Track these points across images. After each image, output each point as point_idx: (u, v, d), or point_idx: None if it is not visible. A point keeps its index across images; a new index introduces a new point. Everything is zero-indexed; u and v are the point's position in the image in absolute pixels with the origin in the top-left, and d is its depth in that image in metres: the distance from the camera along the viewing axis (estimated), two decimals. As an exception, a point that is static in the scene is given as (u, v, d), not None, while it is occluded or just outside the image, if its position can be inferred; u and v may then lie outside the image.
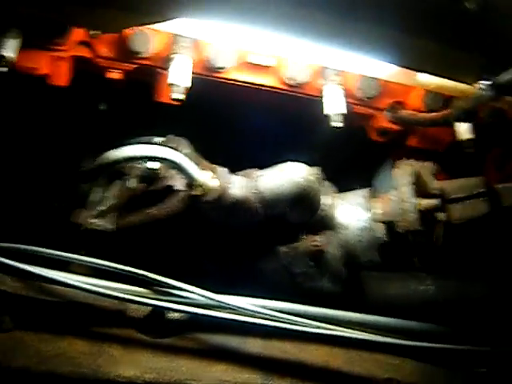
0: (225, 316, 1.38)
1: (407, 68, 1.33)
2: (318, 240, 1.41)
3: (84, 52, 1.51)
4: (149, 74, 1.57)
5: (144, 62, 1.52)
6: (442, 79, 1.36)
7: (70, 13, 1.15)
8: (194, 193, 1.33)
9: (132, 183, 1.49)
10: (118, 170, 1.65)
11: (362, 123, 1.70)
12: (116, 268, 1.39)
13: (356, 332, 1.44)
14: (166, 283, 1.39)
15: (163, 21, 1.16)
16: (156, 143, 1.65)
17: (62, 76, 1.54)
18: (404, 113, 1.62)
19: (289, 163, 1.42)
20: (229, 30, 1.37)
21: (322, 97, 1.57)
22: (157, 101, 1.60)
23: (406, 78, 1.48)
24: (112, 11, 1.12)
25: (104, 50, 1.51)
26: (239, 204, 1.35)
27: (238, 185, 1.36)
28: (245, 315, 1.39)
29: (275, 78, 1.59)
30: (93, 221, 1.63)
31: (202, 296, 1.39)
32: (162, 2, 1.11)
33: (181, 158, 1.31)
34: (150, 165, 1.42)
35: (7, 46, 1.35)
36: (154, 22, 1.18)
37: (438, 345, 1.43)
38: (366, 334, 1.44)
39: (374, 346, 1.45)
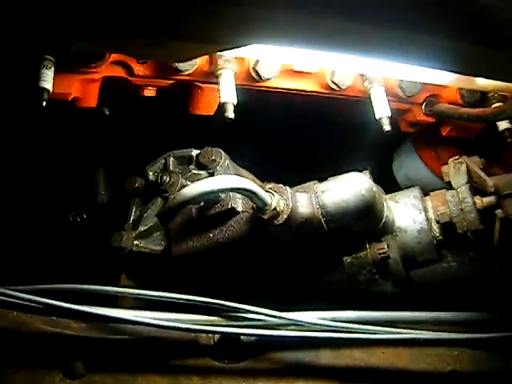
0: (298, 334, 1.38)
1: (466, 75, 1.31)
2: (384, 247, 1.40)
3: (118, 72, 1.42)
4: (185, 88, 1.49)
5: (184, 77, 1.45)
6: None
7: (134, 47, 1.07)
8: (265, 217, 1.30)
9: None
10: (157, 186, 1.59)
11: (395, 116, 1.68)
12: (186, 299, 1.35)
13: (423, 332, 1.46)
14: (235, 308, 1.37)
15: (231, 48, 1.10)
16: (194, 155, 1.60)
17: (91, 98, 1.45)
18: (443, 107, 1.61)
19: (351, 175, 1.39)
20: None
21: (365, 98, 1.54)
22: (191, 113, 1.53)
23: (467, 83, 1.46)
24: (179, 42, 1.05)
25: (140, 69, 1.42)
26: (307, 222, 1.33)
27: (305, 203, 1.33)
28: (315, 330, 1.39)
29: (318, 83, 1.55)
30: (136, 242, 1.58)
31: (273, 316, 1.37)
32: (231, 30, 1.05)
33: (252, 184, 1.27)
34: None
35: (46, 77, 1.26)
36: (222, 50, 1.11)
37: (498, 334, 1.48)
38: (431, 332, 1.47)
39: (439, 343, 1.49)
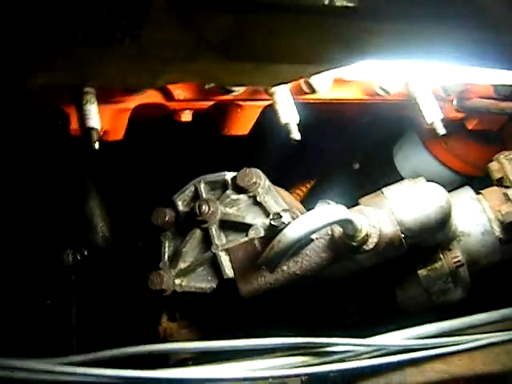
0: (385, 361, 1.29)
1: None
2: (458, 255, 1.33)
3: (155, 98, 1.24)
4: (223, 109, 1.34)
5: (230, 98, 1.29)
6: None
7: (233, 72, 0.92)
8: (355, 244, 1.18)
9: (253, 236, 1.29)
10: (192, 216, 1.44)
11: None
12: (266, 344, 1.22)
13: (497, 334, 1.42)
14: (318, 343, 1.26)
15: (333, 68, 0.97)
16: (229, 179, 1.46)
17: (120, 129, 1.27)
18: (478, 102, 1.56)
19: (427, 186, 1.30)
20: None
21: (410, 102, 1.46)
22: (224, 134, 1.39)
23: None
24: (279, 65, 0.91)
25: (180, 92, 1.25)
26: (390, 243, 1.23)
27: (387, 223, 1.23)
28: (400, 352, 1.32)
29: (365, 91, 1.45)
30: (178, 281, 1.42)
31: (359, 345, 1.28)
32: (335, 50, 0.92)
33: (349, 212, 1.15)
34: (277, 221, 1.22)
35: (91, 114, 1.07)
36: (324, 71, 0.98)
37: None
38: (505, 332, 1.43)
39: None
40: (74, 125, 1.16)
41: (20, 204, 1.86)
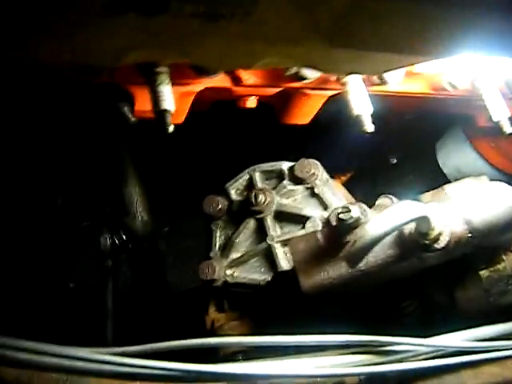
0: (443, 362, 1.26)
1: None
2: (524, 256, 1.30)
3: (224, 82, 1.20)
4: (289, 97, 1.30)
5: (299, 85, 1.25)
6: None
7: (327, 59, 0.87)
8: (427, 241, 1.14)
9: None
10: (246, 205, 1.40)
11: (475, 113, 1.58)
12: (324, 341, 1.18)
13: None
14: (378, 341, 1.22)
15: (433, 59, 0.93)
16: (286, 169, 1.42)
17: (181, 113, 1.22)
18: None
19: (495, 186, 1.26)
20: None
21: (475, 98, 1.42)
22: (283, 123, 1.34)
23: None
24: (380, 54, 0.87)
25: (249, 78, 1.20)
26: (458, 242, 1.19)
27: (457, 222, 1.19)
28: (458, 354, 1.28)
29: (431, 85, 1.40)
30: (230, 272, 1.39)
31: (418, 345, 1.24)
32: (437, 41, 0.88)
33: (427, 209, 1.11)
34: (351, 213, 1.18)
35: (164, 95, 1.02)
36: (424, 61, 0.93)
37: None
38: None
39: None
40: (140, 106, 1.11)
41: (59, 185, 1.83)
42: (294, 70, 1.17)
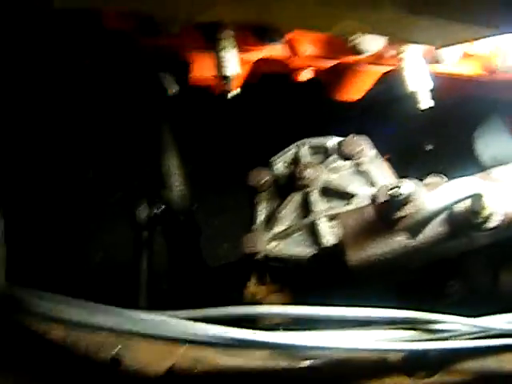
0: (488, 343, 1.25)
1: None
2: None
3: (279, 52, 1.19)
4: (343, 71, 1.28)
5: (355, 59, 1.24)
6: None
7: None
8: (478, 220, 1.14)
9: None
10: (292, 179, 1.39)
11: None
12: (367, 316, 1.18)
13: None
14: (424, 319, 1.22)
15: (502, 34, 0.91)
16: (334, 144, 1.41)
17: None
18: None
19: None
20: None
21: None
22: (334, 98, 1.33)
23: None
24: (455, 25, 0.85)
25: (309, 48, 1.19)
26: (509, 223, 1.18)
27: (507, 201, 1.18)
28: (501, 336, 1.27)
29: (483, 66, 1.39)
30: (272, 245, 1.38)
31: (467, 325, 1.24)
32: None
33: (484, 186, 1.10)
34: (400, 189, 1.17)
35: (228, 61, 1.01)
36: (498, 35, 0.92)
37: None
38: None
39: None
40: (198, 72, 1.11)
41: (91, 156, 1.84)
42: (355, 41, 1.16)
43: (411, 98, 1.20)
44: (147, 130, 1.78)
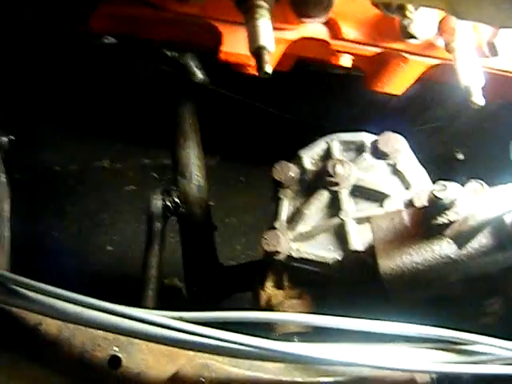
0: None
1: None
2: None
3: (320, 33, 1.07)
4: (386, 60, 1.17)
5: (402, 47, 1.12)
6: None
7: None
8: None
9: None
10: (321, 176, 1.28)
11: None
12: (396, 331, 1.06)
13: None
14: (459, 339, 1.10)
15: None
16: (367, 141, 1.29)
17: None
18: None
19: None
20: None
21: None
22: (376, 90, 1.22)
23: None
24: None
25: (350, 32, 1.08)
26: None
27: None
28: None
29: None
30: (296, 246, 1.27)
31: (503, 348, 1.11)
32: None
33: None
34: (446, 193, 1.05)
35: (263, 31, 0.90)
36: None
37: None
38: None
39: None
40: (228, 47, 1.00)
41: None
42: (406, 23, 1.04)
43: (466, 92, 1.08)
44: (170, 115, 1.68)
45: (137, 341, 0.96)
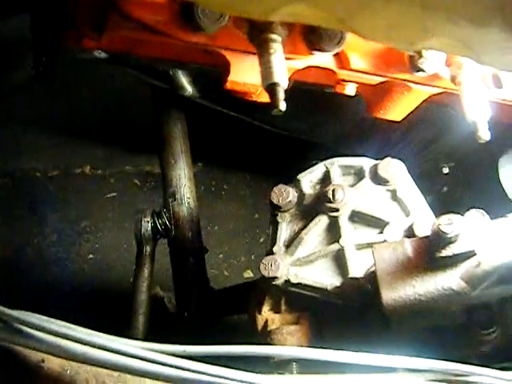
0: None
1: None
2: None
3: (329, 63, 1.06)
4: (388, 89, 1.17)
5: (408, 78, 1.11)
6: None
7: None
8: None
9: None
10: (320, 200, 1.27)
11: None
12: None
13: None
14: (459, 370, 1.10)
15: None
16: (367, 166, 1.29)
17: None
18: None
19: None
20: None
21: None
22: (377, 116, 1.22)
23: None
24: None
25: (358, 62, 1.07)
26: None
27: None
28: None
29: None
30: (294, 271, 1.26)
31: (501, 379, 1.12)
32: None
33: None
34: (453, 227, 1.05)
35: (278, 66, 0.89)
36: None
37: None
38: None
39: None
40: (235, 77, 0.98)
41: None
42: (417, 59, 1.03)
43: (472, 126, 1.08)
44: (159, 131, 1.65)
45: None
